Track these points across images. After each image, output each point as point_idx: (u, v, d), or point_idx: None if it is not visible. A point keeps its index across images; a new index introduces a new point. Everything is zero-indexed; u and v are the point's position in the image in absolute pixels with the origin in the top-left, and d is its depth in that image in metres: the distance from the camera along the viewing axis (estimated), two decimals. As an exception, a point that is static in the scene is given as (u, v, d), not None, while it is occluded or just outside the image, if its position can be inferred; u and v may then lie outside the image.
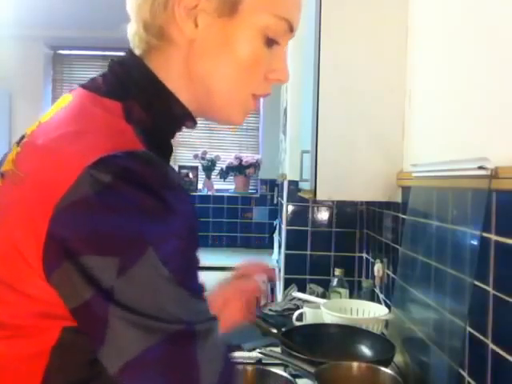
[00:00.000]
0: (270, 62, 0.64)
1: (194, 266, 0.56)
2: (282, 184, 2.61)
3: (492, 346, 0.92)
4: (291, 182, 2.33)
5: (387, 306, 1.65)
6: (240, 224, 4.06)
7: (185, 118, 0.66)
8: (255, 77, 0.64)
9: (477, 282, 0.98)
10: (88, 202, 0.49)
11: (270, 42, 0.63)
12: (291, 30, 0.64)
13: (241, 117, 0.67)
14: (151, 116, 0.62)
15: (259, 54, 0.63)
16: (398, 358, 1.35)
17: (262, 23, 0.61)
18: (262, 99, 0.70)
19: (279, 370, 1.16)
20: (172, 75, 0.64)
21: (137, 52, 0.65)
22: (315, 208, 2.33)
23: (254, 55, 0.62)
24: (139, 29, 0.63)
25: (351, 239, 2.32)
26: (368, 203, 2.21)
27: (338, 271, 1.96)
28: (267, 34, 0.62)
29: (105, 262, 0.49)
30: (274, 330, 1.63)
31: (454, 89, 1.21)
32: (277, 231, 3.26)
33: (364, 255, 2.28)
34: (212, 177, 4.06)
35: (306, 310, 1.69)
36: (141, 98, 0.62)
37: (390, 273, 1.74)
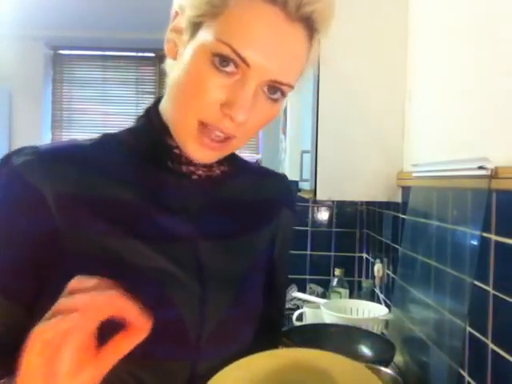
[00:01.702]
0: (225, 93, 0.59)
1: None
2: (282, 184, 2.61)
3: (492, 345, 0.92)
4: (291, 182, 2.32)
5: (387, 306, 1.65)
6: (240, 224, 4.05)
7: (165, 134, 0.68)
8: (200, 100, 0.60)
9: (477, 282, 0.98)
10: None
11: (219, 66, 0.58)
12: (244, 62, 0.58)
13: (195, 149, 0.63)
14: (136, 130, 0.71)
15: (204, 73, 0.59)
16: (398, 358, 1.35)
17: (206, 44, 0.59)
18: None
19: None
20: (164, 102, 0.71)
21: None
22: (315, 208, 2.33)
23: (197, 74, 0.59)
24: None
25: (351, 239, 2.32)
26: (368, 203, 2.21)
27: (337, 271, 1.96)
28: (213, 55, 0.58)
29: None
30: (274, 330, 1.63)
31: (454, 89, 1.21)
32: (277, 231, 3.26)
33: (364, 255, 2.28)
34: (212, 177, 4.05)
35: (305, 310, 1.69)
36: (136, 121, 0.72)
37: (390, 273, 1.74)
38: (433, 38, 1.40)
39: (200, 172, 0.70)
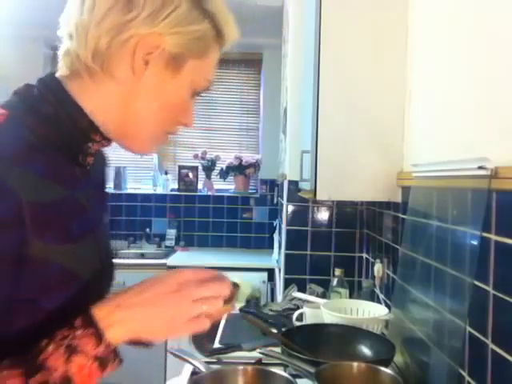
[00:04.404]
0: (187, 110, 0.78)
1: None
2: (282, 184, 2.61)
3: (492, 345, 0.92)
4: (291, 182, 2.33)
5: (387, 306, 1.65)
6: (240, 224, 4.06)
7: (91, 131, 0.72)
8: (174, 119, 0.77)
9: (477, 282, 0.98)
10: None
11: (194, 95, 0.78)
12: (209, 87, 0.79)
13: (151, 148, 0.79)
14: (49, 124, 0.68)
15: (184, 103, 0.76)
16: (398, 358, 1.35)
17: (196, 82, 0.76)
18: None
19: (279, 370, 1.16)
20: (98, 100, 0.72)
21: (64, 71, 0.73)
22: (315, 208, 2.33)
23: (180, 103, 0.76)
24: (87, 53, 0.69)
25: (351, 239, 2.32)
26: (368, 203, 2.21)
27: (337, 271, 1.96)
28: (196, 89, 0.77)
29: None
30: (274, 330, 1.63)
31: (454, 89, 1.21)
32: (277, 231, 3.26)
33: (364, 255, 2.28)
34: (212, 177, 4.06)
35: (305, 310, 1.68)
36: (40, 107, 0.69)
37: (390, 273, 1.74)
38: (433, 38, 1.40)
39: (91, 161, 0.76)
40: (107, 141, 0.75)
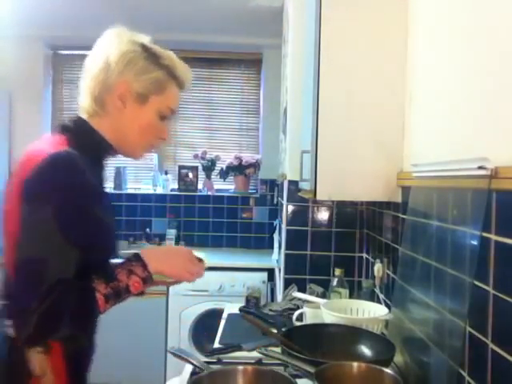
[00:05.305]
0: (161, 129, 1.22)
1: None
2: (282, 184, 2.61)
3: (492, 345, 0.93)
4: (291, 182, 2.33)
5: (387, 306, 1.65)
6: (240, 224, 4.06)
7: (108, 148, 1.19)
8: (151, 135, 1.21)
9: (477, 282, 0.98)
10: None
11: (162, 118, 1.20)
12: (173, 113, 1.23)
13: (141, 155, 1.24)
14: (84, 144, 1.13)
15: (155, 124, 1.20)
16: (398, 358, 1.35)
17: (161, 110, 1.19)
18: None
19: (279, 370, 1.16)
20: (104, 127, 1.18)
21: (84, 115, 1.18)
22: (315, 208, 2.34)
23: (151, 124, 1.19)
24: (91, 102, 1.16)
25: (351, 239, 2.32)
26: (368, 203, 2.21)
27: (337, 271, 1.96)
28: (161, 114, 1.19)
29: None
30: (274, 330, 1.63)
31: (455, 89, 1.21)
32: (277, 231, 3.26)
33: (364, 255, 2.28)
34: (212, 177, 4.06)
35: (306, 310, 1.69)
36: (79, 136, 1.15)
37: (390, 273, 1.74)
38: (433, 38, 1.40)
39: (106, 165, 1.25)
40: (116, 152, 1.21)
